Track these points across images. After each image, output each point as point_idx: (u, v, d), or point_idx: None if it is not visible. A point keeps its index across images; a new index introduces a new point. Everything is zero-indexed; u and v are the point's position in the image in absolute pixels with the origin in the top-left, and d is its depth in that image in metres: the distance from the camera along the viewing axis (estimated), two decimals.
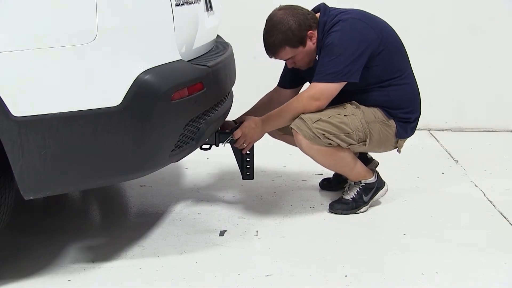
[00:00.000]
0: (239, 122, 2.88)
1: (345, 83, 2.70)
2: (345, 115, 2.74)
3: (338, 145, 2.74)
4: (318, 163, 2.87)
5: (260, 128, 2.81)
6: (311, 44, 2.78)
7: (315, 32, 2.78)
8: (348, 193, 2.92)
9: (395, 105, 2.82)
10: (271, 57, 2.85)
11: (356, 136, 2.75)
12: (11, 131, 1.97)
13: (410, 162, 3.64)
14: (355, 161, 2.87)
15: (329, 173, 3.27)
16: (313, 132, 2.70)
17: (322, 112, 2.73)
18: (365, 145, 2.79)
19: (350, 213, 2.88)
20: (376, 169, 3.05)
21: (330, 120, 2.71)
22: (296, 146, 2.84)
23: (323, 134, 2.70)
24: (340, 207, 2.90)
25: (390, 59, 2.78)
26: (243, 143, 2.80)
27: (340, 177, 3.09)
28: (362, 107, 2.80)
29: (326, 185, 3.24)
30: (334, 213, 2.90)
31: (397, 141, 2.90)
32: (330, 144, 2.73)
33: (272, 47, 2.78)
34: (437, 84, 4.42)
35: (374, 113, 2.81)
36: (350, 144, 2.76)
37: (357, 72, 2.68)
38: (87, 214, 3.10)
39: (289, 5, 2.81)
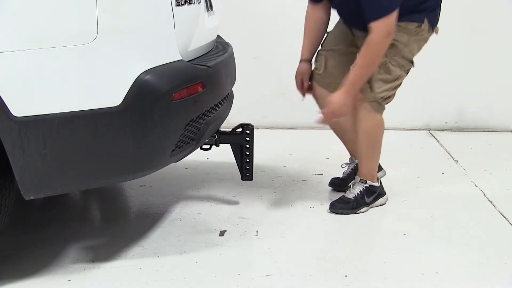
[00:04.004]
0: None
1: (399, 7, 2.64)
2: (392, 66, 2.76)
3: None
4: (360, 133, 2.85)
5: (349, 99, 2.72)
6: None
7: None
8: (351, 191, 2.92)
9: None
10: None
11: (405, 71, 2.81)
12: (11, 131, 1.97)
13: (410, 162, 3.64)
14: (379, 153, 2.92)
15: (329, 174, 3.27)
16: (377, 101, 2.77)
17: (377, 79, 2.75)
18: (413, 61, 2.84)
19: (350, 213, 2.88)
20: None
21: (388, 80, 2.77)
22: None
23: (382, 96, 2.78)
24: (340, 206, 2.90)
25: None
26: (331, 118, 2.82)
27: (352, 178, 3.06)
28: (394, 41, 2.71)
29: (338, 183, 3.17)
30: (335, 212, 2.90)
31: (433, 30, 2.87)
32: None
33: None
34: (437, 84, 4.41)
35: (406, 31, 2.75)
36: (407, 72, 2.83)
37: None
38: (87, 214, 3.10)
39: None
